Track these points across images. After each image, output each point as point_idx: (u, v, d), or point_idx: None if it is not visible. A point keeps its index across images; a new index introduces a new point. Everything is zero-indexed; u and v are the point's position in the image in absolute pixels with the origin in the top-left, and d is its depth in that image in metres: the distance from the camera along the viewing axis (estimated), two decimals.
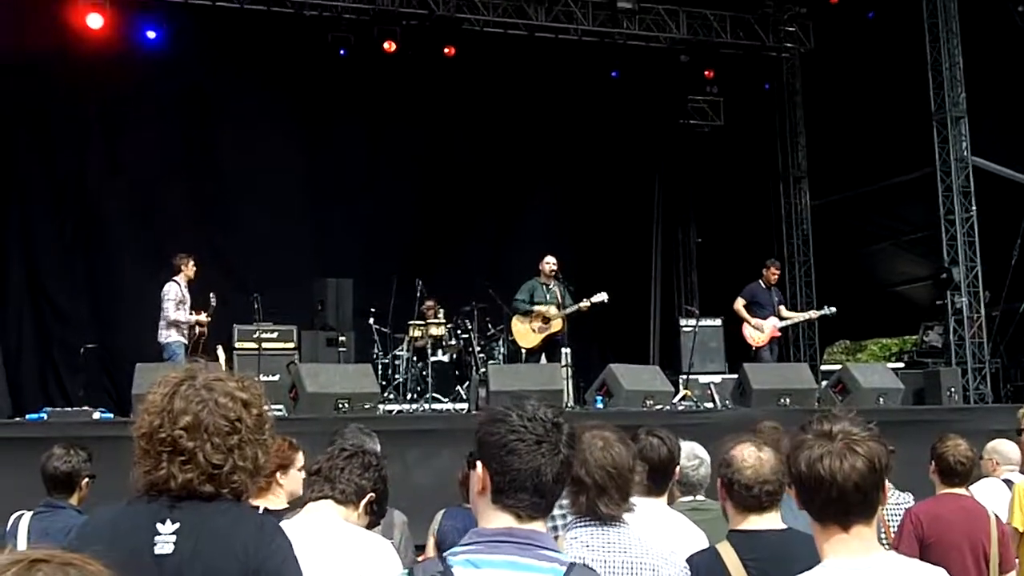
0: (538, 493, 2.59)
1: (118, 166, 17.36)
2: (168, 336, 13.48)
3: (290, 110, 18.39)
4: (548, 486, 2.59)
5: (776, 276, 15.23)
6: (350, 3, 17.57)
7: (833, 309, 15.44)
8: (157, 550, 2.80)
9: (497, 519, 2.60)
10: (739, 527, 4.06)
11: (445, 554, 2.60)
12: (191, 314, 13.59)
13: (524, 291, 14.41)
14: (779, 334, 14.98)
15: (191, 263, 13.77)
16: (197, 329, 13.59)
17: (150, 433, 2.88)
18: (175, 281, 13.61)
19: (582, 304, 14.27)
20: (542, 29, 18.84)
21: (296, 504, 4.61)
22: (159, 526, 2.81)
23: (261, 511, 3.32)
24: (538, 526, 2.61)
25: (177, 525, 2.81)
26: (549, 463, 2.58)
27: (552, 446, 2.59)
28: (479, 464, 2.64)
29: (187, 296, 13.60)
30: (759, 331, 14.90)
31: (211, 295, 13.76)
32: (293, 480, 4.94)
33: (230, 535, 2.85)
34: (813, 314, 15.30)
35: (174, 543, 2.80)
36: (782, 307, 15.15)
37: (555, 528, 3.97)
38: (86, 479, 6.11)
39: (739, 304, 15.15)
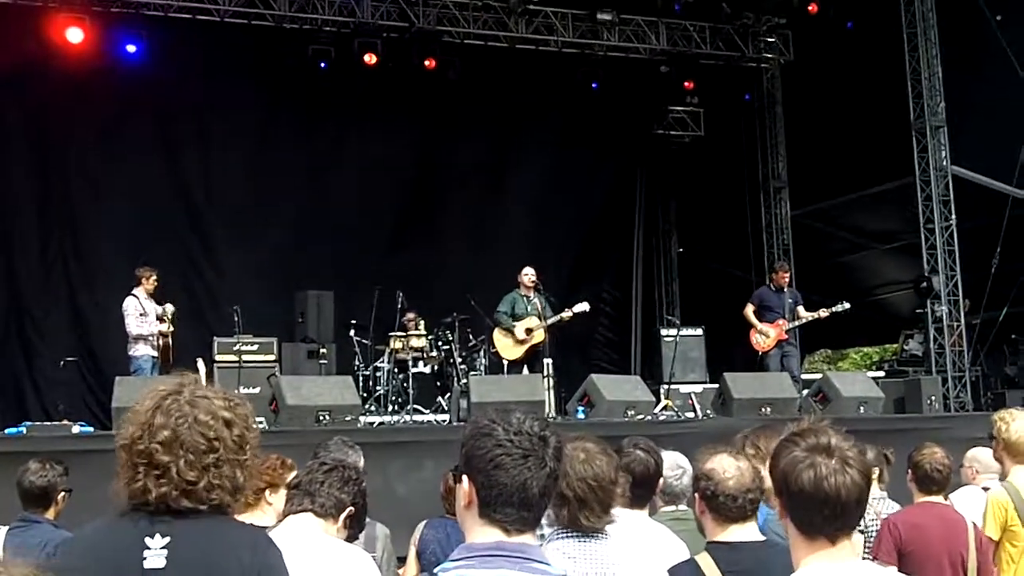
0: (525, 507, 2.57)
1: (98, 179, 17.29)
2: (135, 350, 13.37)
3: (271, 123, 18.36)
4: (535, 500, 2.58)
5: (785, 278, 15.09)
6: (330, 16, 17.55)
7: (847, 304, 14.94)
8: (147, 564, 2.78)
9: (485, 533, 2.58)
10: (718, 538, 4.05)
11: (436, 570, 2.58)
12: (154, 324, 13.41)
13: (505, 303, 14.40)
14: (786, 336, 14.85)
15: (152, 277, 13.62)
16: (161, 340, 13.41)
17: (130, 444, 2.87)
18: (133, 295, 13.50)
19: (564, 314, 14.28)
20: (522, 41, 18.86)
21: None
22: (148, 540, 2.79)
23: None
24: (527, 539, 2.60)
25: (168, 539, 2.80)
26: (535, 477, 2.56)
27: (539, 460, 2.57)
28: (465, 478, 2.62)
29: (148, 308, 13.44)
30: (765, 336, 14.84)
31: (164, 307, 13.54)
32: (283, 499, 4.90)
33: (224, 548, 2.85)
34: (823, 312, 14.96)
35: (166, 557, 2.78)
36: (800, 308, 14.89)
37: (542, 538, 3.97)
38: (62, 493, 6.07)
39: (748, 309, 15.00)
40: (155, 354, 13.39)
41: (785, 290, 14.99)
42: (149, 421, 2.87)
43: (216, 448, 2.86)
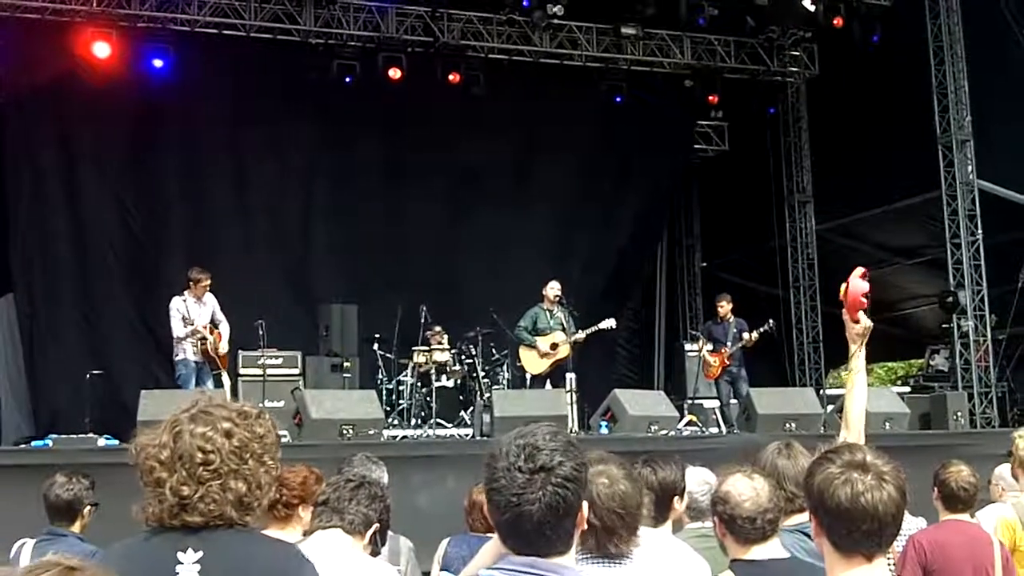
0: (523, 540, 2.56)
1: (123, 193, 17.39)
2: (176, 354, 13.30)
3: (295, 137, 18.39)
4: (532, 535, 2.54)
5: (724, 309, 15.23)
6: (355, 31, 17.62)
7: (772, 322, 15.45)
8: None
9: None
10: (742, 557, 4.02)
11: (481, 573, 2.62)
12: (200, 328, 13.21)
13: (527, 319, 14.36)
14: (728, 363, 14.93)
15: (202, 281, 13.38)
16: (200, 344, 13.18)
17: (140, 465, 2.87)
18: (180, 297, 13.34)
19: (587, 332, 14.24)
20: (547, 55, 18.87)
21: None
22: (180, 555, 2.79)
23: None
24: (563, 559, 2.58)
25: (200, 554, 2.79)
26: (526, 514, 2.52)
27: (530, 499, 2.52)
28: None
29: (193, 312, 13.22)
30: (710, 365, 14.98)
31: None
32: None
33: (257, 562, 2.85)
34: (755, 335, 15.21)
35: (199, 572, 2.78)
36: (744, 334, 15.07)
37: None
38: (88, 507, 6.06)
39: (701, 342, 15.63)
40: (196, 359, 13.21)
41: (731, 320, 15.16)
42: (157, 441, 2.88)
43: (211, 460, 2.82)
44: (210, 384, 13.20)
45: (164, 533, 2.84)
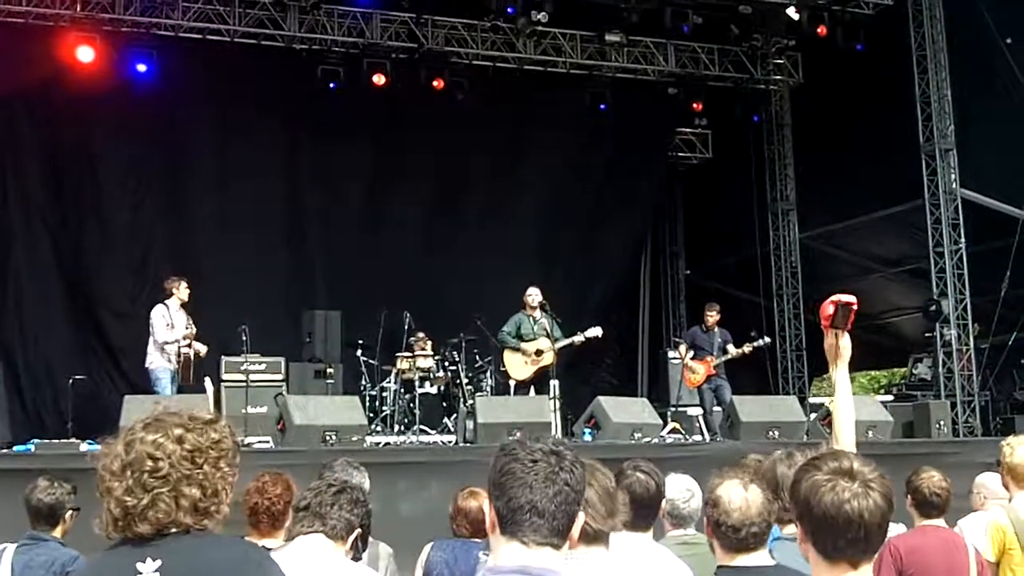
0: (537, 514, 2.58)
1: (106, 197, 17.31)
2: (151, 362, 13.11)
3: (279, 143, 18.37)
4: (547, 509, 2.59)
5: (711, 318, 15.28)
6: (339, 37, 17.62)
7: (767, 339, 15.75)
8: None
9: (509, 550, 2.60)
10: (728, 563, 4.03)
11: None
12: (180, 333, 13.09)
13: (511, 324, 14.34)
14: (714, 372, 14.98)
15: (182, 285, 13.33)
16: (181, 351, 13.03)
17: (96, 477, 2.85)
18: (164, 304, 13.25)
19: (575, 338, 14.22)
20: (531, 62, 18.91)
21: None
22: (139, 566, 2.75)
23: None
24: (550, 557, 2.60)
25: (159, 563, 2.75)
26: (546, 483, 2.59)
27: (549, 467, 2.61)
28: (486, 502, 2.69)
29: (177, 320, 13.16)
30: (694, 372, 15.03)
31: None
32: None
33: (219, 564, 2.81)
34: (747, 348, 15.27)
35: None
36: (729, 346, 15.12)
37: None
38: (70, 512, 6.05)
39: (682, 348, 15.65)
40: (173, 367, 13.05)
41: (716, 330, 15.25)
42: (111, 452, 2.84)
43: (160, 467, 2.78)
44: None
45: (124, 546, 2.80)
